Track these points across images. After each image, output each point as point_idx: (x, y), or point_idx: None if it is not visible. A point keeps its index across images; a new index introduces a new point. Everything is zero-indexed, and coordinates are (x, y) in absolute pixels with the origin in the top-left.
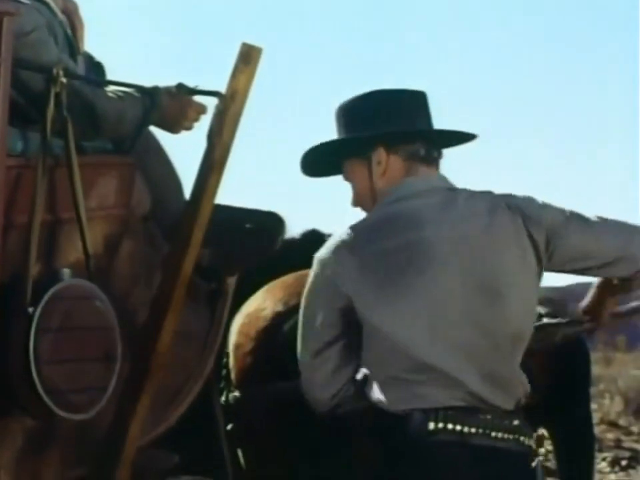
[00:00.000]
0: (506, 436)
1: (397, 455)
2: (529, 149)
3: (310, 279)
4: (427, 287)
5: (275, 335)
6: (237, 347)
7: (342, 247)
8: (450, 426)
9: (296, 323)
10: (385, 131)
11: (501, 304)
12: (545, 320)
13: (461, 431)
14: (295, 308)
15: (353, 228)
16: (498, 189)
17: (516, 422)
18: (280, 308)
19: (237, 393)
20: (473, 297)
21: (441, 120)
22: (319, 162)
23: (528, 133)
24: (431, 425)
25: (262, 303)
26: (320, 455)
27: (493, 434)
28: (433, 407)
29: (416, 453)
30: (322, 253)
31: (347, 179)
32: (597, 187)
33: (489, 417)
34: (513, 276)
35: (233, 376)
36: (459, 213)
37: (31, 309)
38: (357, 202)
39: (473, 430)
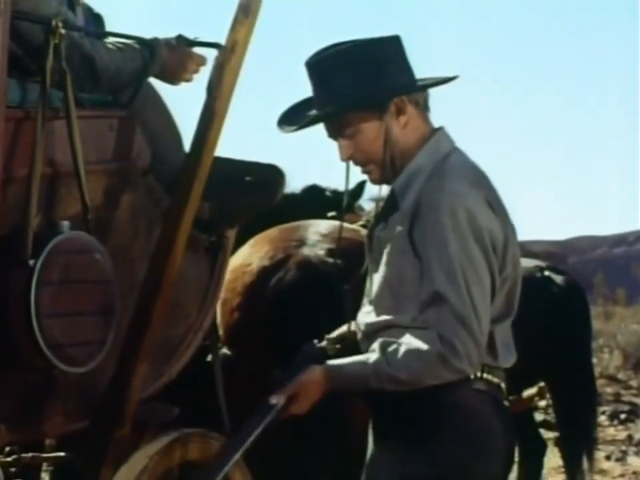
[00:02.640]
0: None
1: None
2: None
3: (469, 232)
4: None
5: (262, 290)
6: (224, 302)
7: (485, 202)
8: None
9: (283, 277)
10: (409, 80)
11: None
12: (547, 273)
13: None
14: (281, 262)
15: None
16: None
17: None
18: (266, 262)
19: (225, 350)
20: None
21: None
22: (300, 114)
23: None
24: None
25: (247, 258)
26: None
27: None
28: None
29: None
30: (469, 203)
31: (345, 134)
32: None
33: None
34: None
35: (221, 332)
36: None
37: (31, 262)
38: (364, 158)
39: None
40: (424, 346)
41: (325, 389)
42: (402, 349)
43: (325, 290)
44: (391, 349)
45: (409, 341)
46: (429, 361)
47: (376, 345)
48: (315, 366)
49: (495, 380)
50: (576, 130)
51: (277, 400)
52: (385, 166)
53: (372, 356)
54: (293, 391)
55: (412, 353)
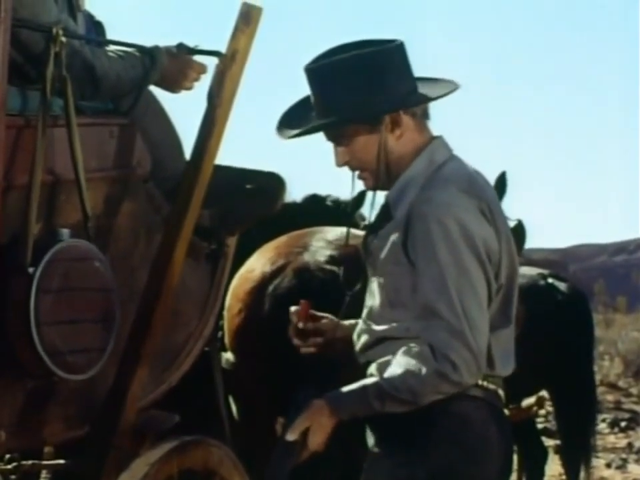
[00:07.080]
0: None
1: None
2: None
3: (460, 241)
4: None
5: (261, 296)
6: (228, 308)
7: (478, 211)
8: None
9: (279, 284)
10: (409, 93)
11: None
12: (550, 280)
13: None
14: (282, 268)
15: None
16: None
17: None
18: (267, 268)
19: (229, 355)
20: None
21: None
22: (302, 121)
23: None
24: None
25: (253, 264)
26: None
27: None
28: None
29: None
30: (459, 212)
31: (342, 143)
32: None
33: None
34: None
35: (225, 338)
36: None
37: (31, 270)
38: (359, 165)
39: None
40: (420, 365)
41: (334, 419)
42: (399, 371)
43: (321, 297)
44: (388, 371)
45: (405, 361)
46: (427, 380)
47: (373, 369)
48: (315, 400)
49: (492, 387)
50: (576, 138)
51: (292, 437)
52: (378, 174)
53: (370, 380)
54: (304, 426)
55: (409, 373)
